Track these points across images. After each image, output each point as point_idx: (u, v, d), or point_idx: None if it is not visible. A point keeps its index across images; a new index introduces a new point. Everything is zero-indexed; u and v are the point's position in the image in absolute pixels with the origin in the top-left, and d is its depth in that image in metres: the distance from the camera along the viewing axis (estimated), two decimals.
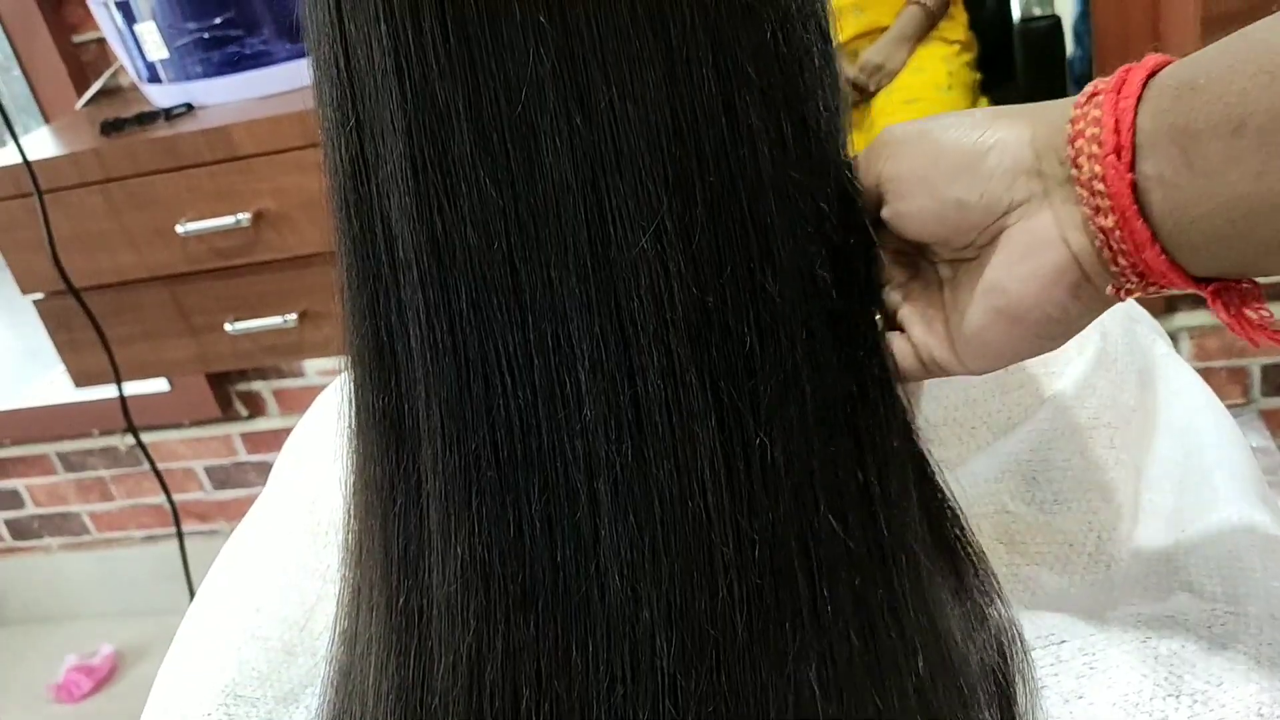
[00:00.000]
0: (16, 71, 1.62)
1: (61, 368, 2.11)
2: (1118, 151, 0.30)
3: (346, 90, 0.36)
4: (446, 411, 0.36)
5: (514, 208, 0.34)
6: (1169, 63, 0.31)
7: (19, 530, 2.16)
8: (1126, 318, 0.50)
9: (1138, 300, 0.49)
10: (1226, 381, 1.63)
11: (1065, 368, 0.46)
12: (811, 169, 0.35)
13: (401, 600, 0.38)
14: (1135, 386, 0.47)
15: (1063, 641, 0.39)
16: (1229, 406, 0.60)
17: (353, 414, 0.41)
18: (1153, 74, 0.31)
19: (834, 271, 0.36)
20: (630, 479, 0.34)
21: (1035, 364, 0.46)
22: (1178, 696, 0.35)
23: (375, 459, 0.40)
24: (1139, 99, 0.31)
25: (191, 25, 1.36)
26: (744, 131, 0.34)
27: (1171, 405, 0.48)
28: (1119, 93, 0.31)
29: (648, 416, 0.34)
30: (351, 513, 0.42)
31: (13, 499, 2.12)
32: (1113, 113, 0.31)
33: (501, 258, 0.34)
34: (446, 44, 0.33)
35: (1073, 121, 0.32)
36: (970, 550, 0.39)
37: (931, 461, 0.39)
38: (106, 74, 1.61)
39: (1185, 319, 1.57)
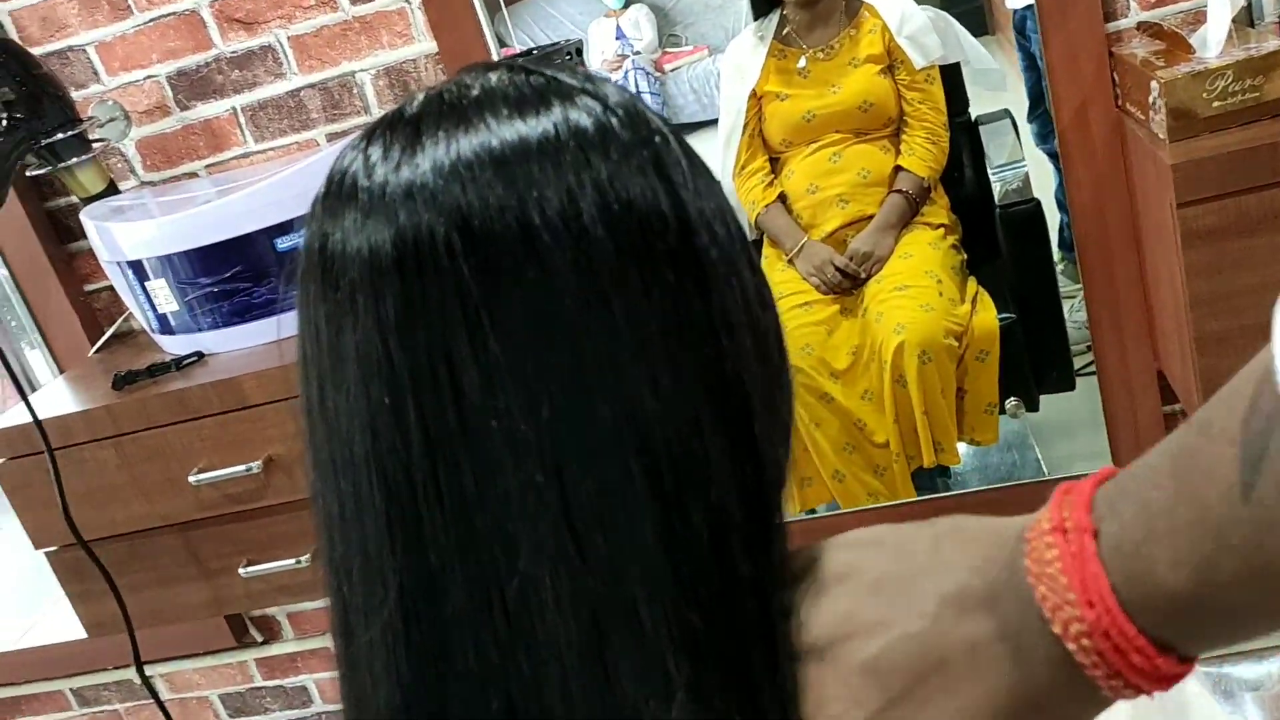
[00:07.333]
0: (30, 324, 1.67)
1: (64, 608, 2.10)
2: (1107, 633, 0.31)
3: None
4: None
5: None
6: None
7: None
8: None
9: None
10: None
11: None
12: None
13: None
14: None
15: None
16: None
17: None
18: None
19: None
20: None
21: None
22: None
23: None
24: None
25: (203, 280, 1.41)
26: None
27: None
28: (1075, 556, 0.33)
29: None
30: None
31: None
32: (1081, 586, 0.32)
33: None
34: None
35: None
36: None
37: None
38: (116, 324, 1.65)
39: None
